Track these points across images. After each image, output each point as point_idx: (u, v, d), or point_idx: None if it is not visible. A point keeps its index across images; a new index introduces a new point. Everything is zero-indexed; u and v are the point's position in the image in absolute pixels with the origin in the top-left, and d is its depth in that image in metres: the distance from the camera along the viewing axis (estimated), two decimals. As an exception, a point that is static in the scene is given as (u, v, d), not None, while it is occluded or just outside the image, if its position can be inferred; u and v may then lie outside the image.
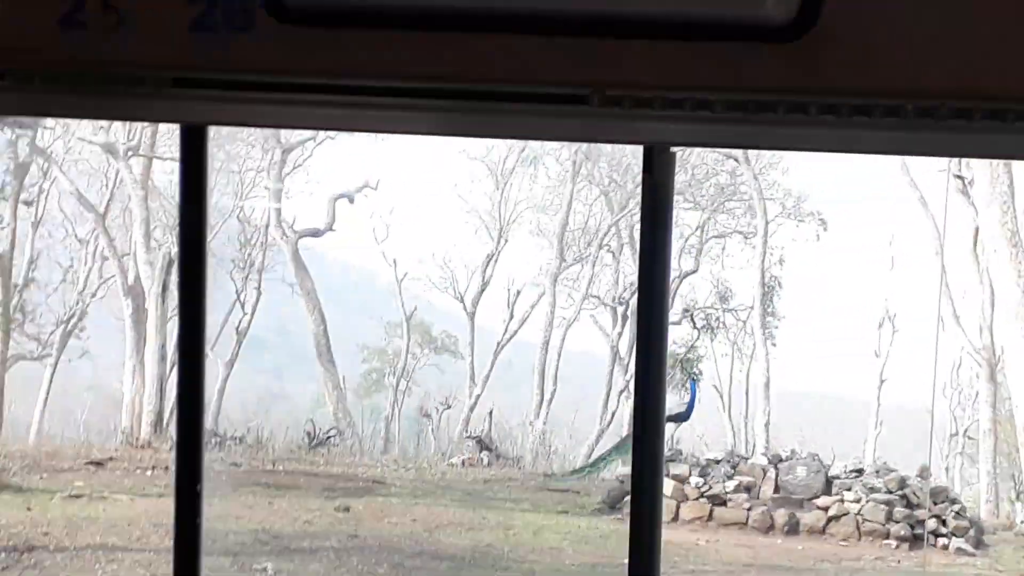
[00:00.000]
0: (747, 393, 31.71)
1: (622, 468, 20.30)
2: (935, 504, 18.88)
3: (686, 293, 32.90)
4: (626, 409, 30.31)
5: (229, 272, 29.96)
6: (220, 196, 29.17)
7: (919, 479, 19.49)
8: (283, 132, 27.45)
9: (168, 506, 16.14)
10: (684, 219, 32.84)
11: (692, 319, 32.47)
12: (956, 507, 19.28)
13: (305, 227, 28.76)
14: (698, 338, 32.35)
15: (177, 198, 2.88)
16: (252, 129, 25.34)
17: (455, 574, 14.08)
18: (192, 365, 2.95)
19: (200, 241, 2.90)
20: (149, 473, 18.68)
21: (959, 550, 18.18)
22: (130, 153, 25.70)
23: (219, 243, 29.73)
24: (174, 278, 27.69)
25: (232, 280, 29.94)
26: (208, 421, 26.48)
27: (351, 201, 29.16)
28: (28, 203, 26.05)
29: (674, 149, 2.45)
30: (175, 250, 27.49)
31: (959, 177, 25.35)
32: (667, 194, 2.42)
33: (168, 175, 27.97)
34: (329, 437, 24.60)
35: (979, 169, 22.43)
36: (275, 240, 28.56)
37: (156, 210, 27.66)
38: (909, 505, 18.68)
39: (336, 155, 28.96)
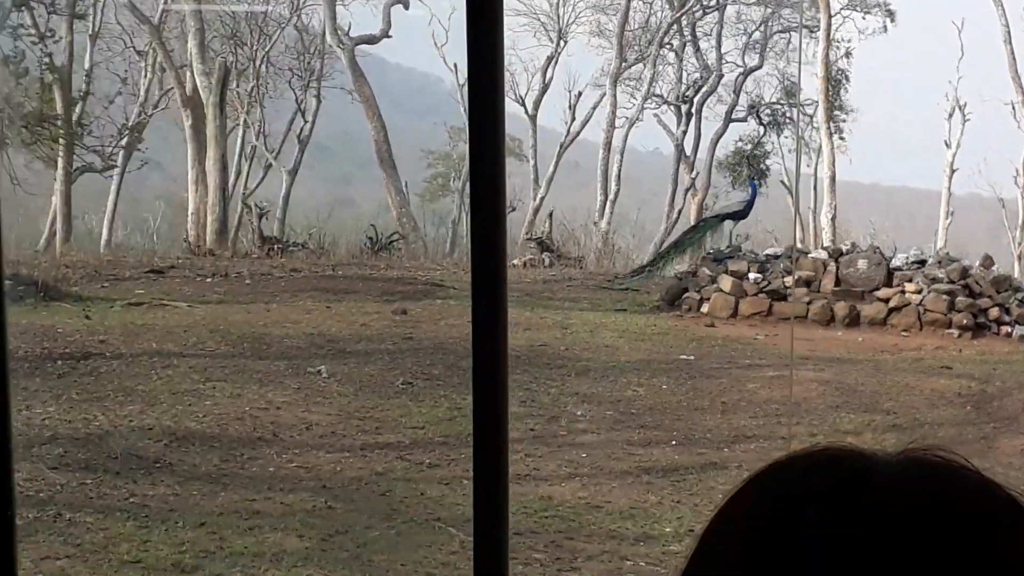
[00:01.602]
0: (815, 188, 31.39)
1: (681, 266, 20.30)
2: (998, 292, 18.73)
3: (751, 89, 32.50)
4: (692, 207, 30.22)
5: (288, 81, 29.96)
6: (276, 5, 29.02)
7: (981, 268, 19.31)
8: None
9: (227, 312, 16.42)
10: (748, 15, 32.29)
11: (758, 115, 32.11)
12: (1020, 295, 19.11)
13: (360, 33, 28.49)
14: (764, 134, 32.04)
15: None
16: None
17: (510, 372, 14.12)
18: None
19: None
20: (209, 280, 18.87)
21: (1023, 337, 18.08)
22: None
23: (276, 53, 29.71)
24: (232, 88, 27.73)
25: (292, 89, 29.93)
26: (274, 228, 26.83)
27: (406, 7, 28.82)
28: (82, 16, 25.94)
29: None
30: (230, 59, 27.48)
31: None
32: None
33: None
34: (391, 242, 24.70)
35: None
36: (332, 48, 28.36)
37: (212, 19, 27.56)
38: (971, 295, 18.53)
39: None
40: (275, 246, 22.80)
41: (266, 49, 28.95)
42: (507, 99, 31.06)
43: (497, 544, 1.92)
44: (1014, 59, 28.78)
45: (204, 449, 11.09)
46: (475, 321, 1.80)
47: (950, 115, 32.38)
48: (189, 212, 25.57)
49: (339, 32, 27.75)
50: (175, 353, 13.90)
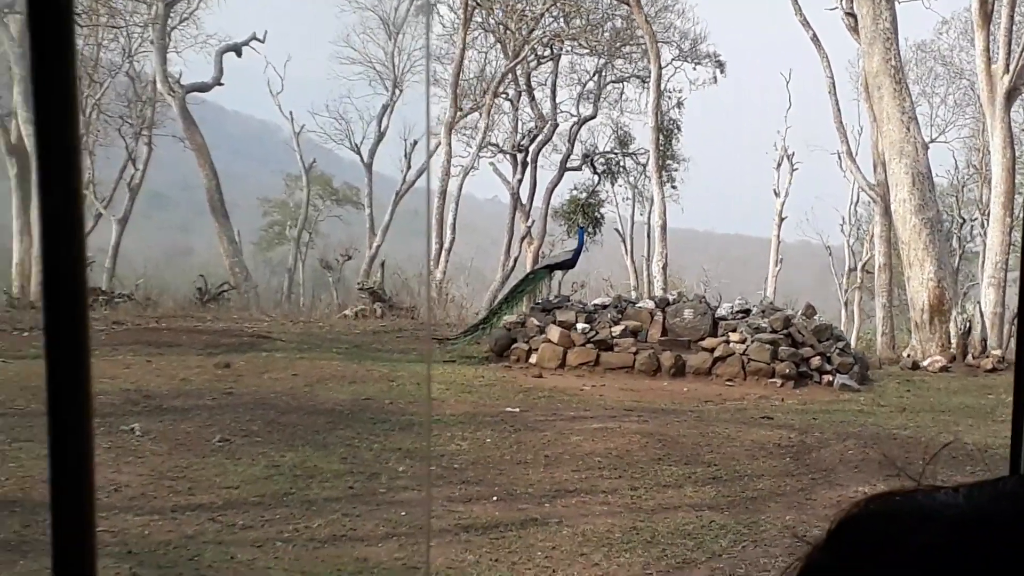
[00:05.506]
0: (648, 235, 31.76)
1: (510, 317, 20.30)
2: (820, 342, 19.10)
3: (585, 139, 32.85)
4: (528, 255, 30.35)
5: (118, 129, 29.52)
6: (107, 52, 28.61)
7: (804, 317, 19.66)
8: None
9: (43, 368, 15.93)
10: (581, 65, 32.65)
11: (592, 164, 32.42)
12: (840, 344, 19.52)
13: (192, 81, 28.15)
14: (599, 183, 32.36)
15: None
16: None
17: (330, 429, 13.92)
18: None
19: None
20: (27, 334, 18.39)
21: (844, 386, 18.41)
22: (6, 11, 24.86)
23: (107, 100, 29.27)
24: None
25: (122, 137, 29.49)
26: (103, 279, 26.31)
27: (239, 54, 28.55)
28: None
29: None
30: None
31: (850, 15, 25.19)
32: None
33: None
34: (221, 293, 24.33)
35: (862, 6, 22.13)
36: (163, 95, 27.97)
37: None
38: (794, 344, 18.87)
39: (222, 7, 28.37)
40: (99, 298, 22.26)
41: (97, 96, 28.45)
42: (343, 147, 31.03)
43: None
44: (839, 110, 29.51)
45: (5, 514, 10.70)
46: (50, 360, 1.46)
47: (779, 164, 33.16)
48: (13, 263, 24.92)
49: (170, 80, 27.37)
50: (-18, 411, 13.46)
